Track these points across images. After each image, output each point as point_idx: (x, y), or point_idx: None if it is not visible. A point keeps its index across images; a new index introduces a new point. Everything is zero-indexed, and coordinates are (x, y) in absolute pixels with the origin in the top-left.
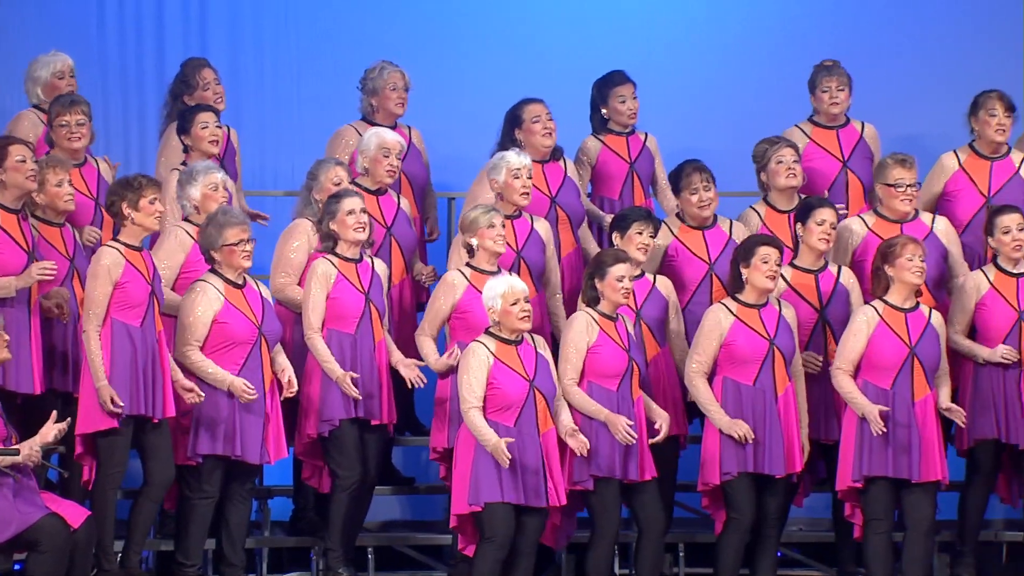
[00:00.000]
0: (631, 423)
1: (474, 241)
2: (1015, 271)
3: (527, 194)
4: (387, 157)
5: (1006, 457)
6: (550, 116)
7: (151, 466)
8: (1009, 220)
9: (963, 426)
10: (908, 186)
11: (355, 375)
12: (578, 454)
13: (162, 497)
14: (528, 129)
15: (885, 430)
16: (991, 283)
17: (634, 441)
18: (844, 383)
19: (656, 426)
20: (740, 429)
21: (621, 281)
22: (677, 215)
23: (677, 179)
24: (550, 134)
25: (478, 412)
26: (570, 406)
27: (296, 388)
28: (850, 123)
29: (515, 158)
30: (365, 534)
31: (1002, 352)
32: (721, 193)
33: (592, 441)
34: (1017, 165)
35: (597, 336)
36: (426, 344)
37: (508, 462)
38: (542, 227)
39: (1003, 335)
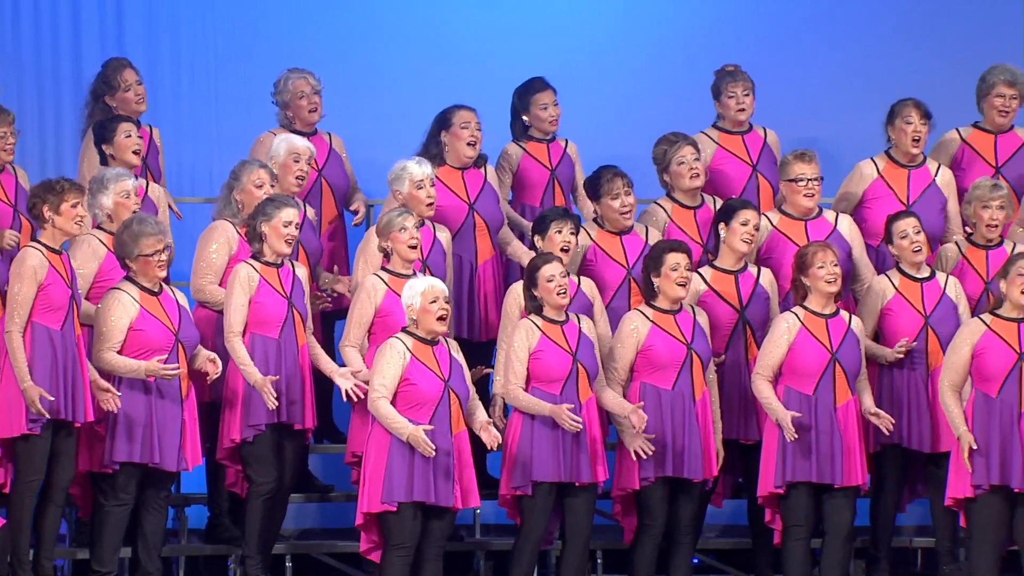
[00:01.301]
0: (572, 407)
1: (388, 244)
2: (919, 276)
3: (432, 204)
4: (297, 163)
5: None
6: (479, 126)
7: (52, 468)
8: (905, 225)
9: (887, 432)
10: (810, 180)
11: (275, 377)
12: (488, 447)
13: (64, 500)
14: (455, 134)
15: (797, 436)
16: (896, 288)
17: (580, 428)
18: (763, 389)
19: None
20: (639, 420)
21: (552, 280)
22: (595, 220)
23: (596, 185)
24: (475, 144)
25: (386, 402)
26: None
27: (220, 368)
28: (753, 129)
29: (416, 168)
30: (283, 542)
31: (898, 347)
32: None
33: (531, 447)
34: (933, 174)
35: (538, 342)
36: (352, 355)
37: (432, 453)
38: (444, 236)
39: (910, 340)
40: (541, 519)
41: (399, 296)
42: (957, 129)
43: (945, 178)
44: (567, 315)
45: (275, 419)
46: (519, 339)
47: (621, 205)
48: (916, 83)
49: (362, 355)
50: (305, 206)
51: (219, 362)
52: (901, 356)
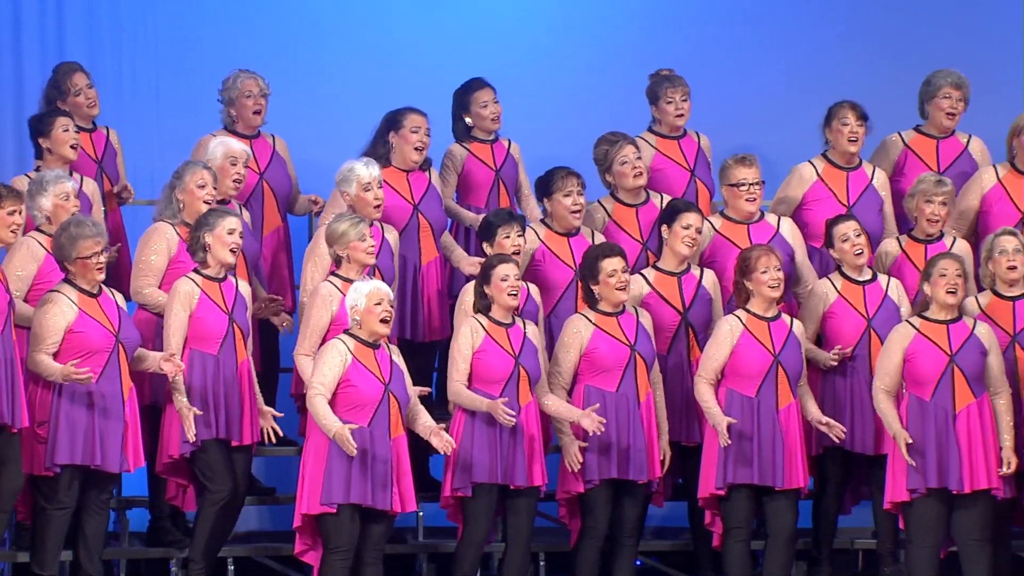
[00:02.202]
0: (506, 400)
1: (344, 253)
2: (861, 279)
3: (379, 206)
4: (234, 166)
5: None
6: (428, 132)
7: (1, 474)
8: (846, 228)
9: (837, 440)
10: (751, 184)
11: (199, 412)
12: (442, 452)
13: (11, 507)
14: (404, 136)
15: (730, 443)
16: (838, 292)
17: (513, 422)
18: (703, 393)
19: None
20: (592, 423)
21: (506, 280)
22: (543, 221)
23: (549, 182)
24: (422, 149)
25: (324, 400)
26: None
27: (181, 366)
28: (688, 134)
29: (363, 170)
30: (225, 544)
31: (833, 353)
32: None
33: (472, 448)
34: (870, 176)
35: (482, 342)
36: (306, 364)
37: (355, 452)
38: (392, 236)
39: (852, 343)
40: (483, 521)
41: None
42: (899, 133)
43: (881, 180)
44: (514, 318)
45: (212, 435)
46: (464, 337)
47: (572, 203)
48: (850, 87)
49: None
50: (241, 209)
51: (177, 361)
52: (835, 363)
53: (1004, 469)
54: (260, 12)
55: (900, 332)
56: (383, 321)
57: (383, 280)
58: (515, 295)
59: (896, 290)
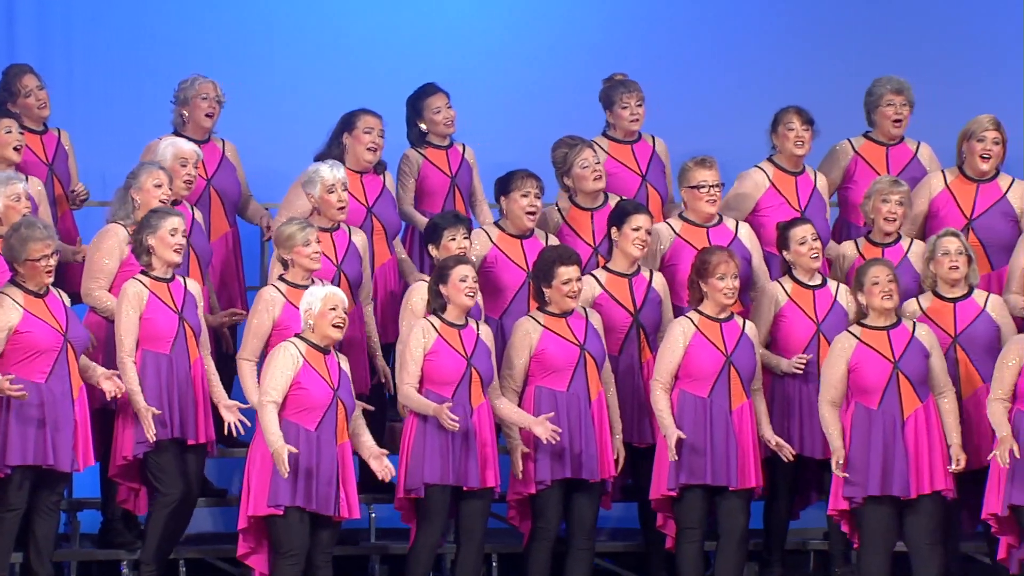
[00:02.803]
0: (452, 405)
1: (289, 257)
2: (811, 283)
3: (343, 208)
4: (184, 167)
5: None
6: (382, 133)
7: None
8: (803, 231)
9: (787, 460)
10: (711, 187)
11: (157, 412)
12: (380, 478)
13: None
14: (357, 137)
15: (677, 459)
16: (789, 295)
17: (457, 427)
18: (658, 399)
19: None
20: (546, 431)
21: (464, 281)
22: (496, 223)
23: (507, 183)
24: (376, 150)
25: (274, 408)
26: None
27: (120, 387)
28: (642, 137)
29: (328, 172)
30: (177, 546)
31: (795, 362)
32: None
33: (424, 450)
34: (814, 180)
35: (434, 343)
36: (247, 369)
37: (286, 473)
38: (359, 239)
39: (802, 347)
40: (437, 522)
41: (297, 308)
42: (848, 140)
43: (822, 183)
44: (467, 319)
45: (165, 436)
46: (415, 339)
47: (528, 204)
48: (798, 93)
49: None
50: (194, 210)
51: (118, 381)
52: (799, 371)
53: (954, 466)
54: (213, 14)
55: (842, 343)
56: (336, 326)
57: (350, 285)
58: (472, 296)
59: (846, 296)
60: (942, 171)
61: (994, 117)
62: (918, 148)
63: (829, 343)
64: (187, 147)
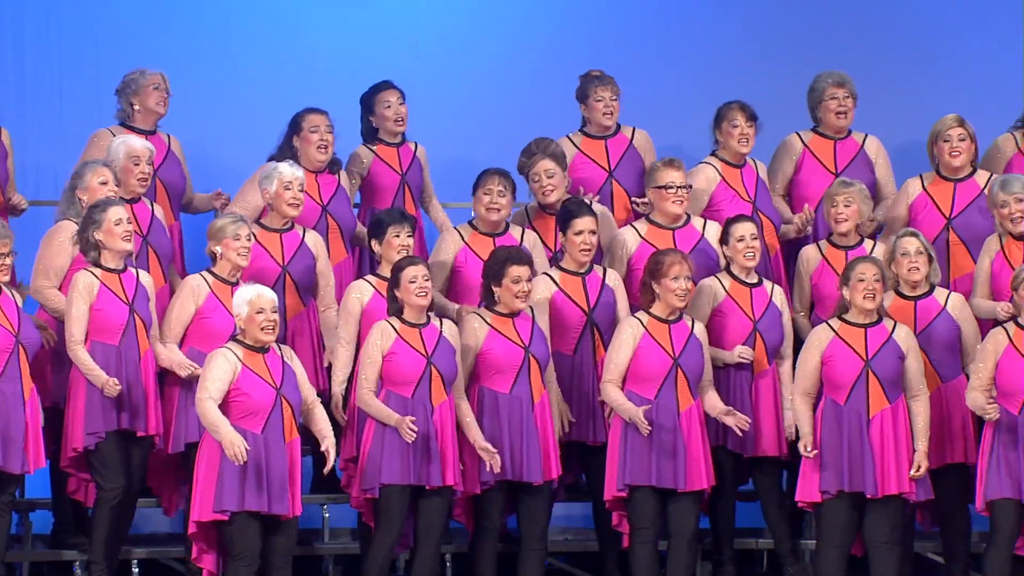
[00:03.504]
0: (414, 420)
1: (218, 249)
2: (749, 281)
3: (297, 206)
4: (137, 165)
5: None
6: (330, 129)
7: None
8: (744, 229)
9: (740, 434)
10: (679, 187)
11: (118, 384)
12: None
13: None
14: (305, 138)
15: (651, 428)
16: (727, 291)
17: (413, 437)
18: (612, 394)
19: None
20: (490, 456)
21: (414, 282)
22: (469, 222)
23: (476, 182)
24: (325, 148)
25: (213, 404)
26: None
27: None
28: (620, 131)
29: (288, 169)
30: (130, 546)
31: (739, 352)
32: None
33: (382, 449)
34: (756, 169)
35: (392, 343)
36: (172, 348)
37: (243, 459)
38: (312, 239)
39: (738, 343)
40: (396, 523)
41: (220, 302)
42: (798, 133)
43: (763, 169)
44: (428, 318)
45: (116, 426)
46: (372, 341)
47: (489, 202)
48: (752, 88)
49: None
50: (154, 207)
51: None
52: (746, 360)
53: (913, 472)
54: (163, 12)
55: (818, 335)
56: (264, 330)
57: (296, 287)
58: (425, 295)
59: (780, 297)
60: (920, 176)
61: (958, 116)
62: (865, 140)
63: (764, 341)
64: (139, 145)
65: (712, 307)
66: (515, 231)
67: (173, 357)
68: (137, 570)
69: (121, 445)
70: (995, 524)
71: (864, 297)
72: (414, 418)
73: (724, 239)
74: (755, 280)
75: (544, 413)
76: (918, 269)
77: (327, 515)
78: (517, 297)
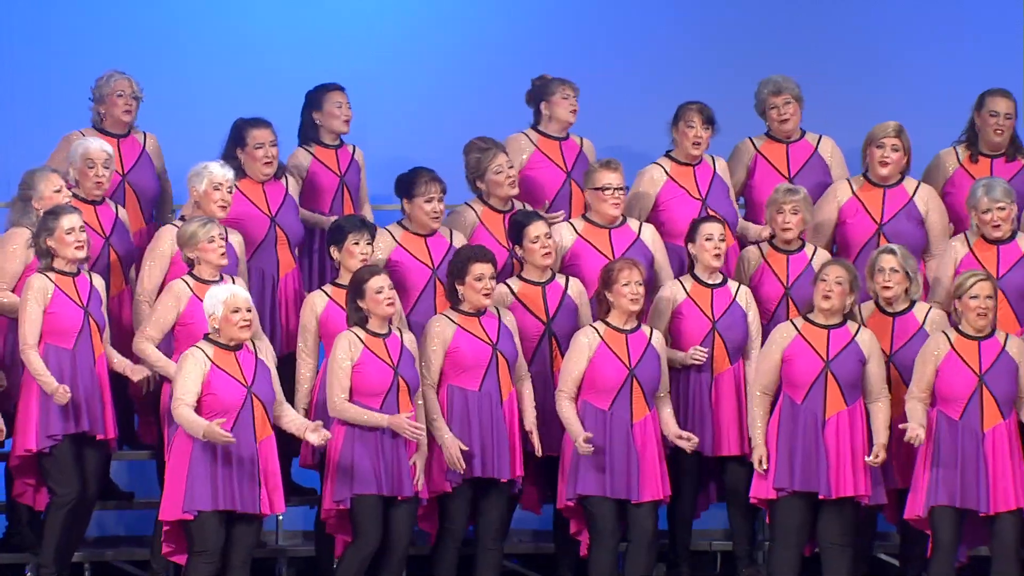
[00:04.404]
0: (411, 413)
1: (195, 255)
2: (711, 282)
3: (223, 208)
4: (92, 168)
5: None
6: (274, 143)
7: None
8: (712, 228)
9: (689, 452)
10: (615, 189)
11: (68, 392)
12: (318, 444)
13: None
14: (250, 153)
15: (592, 450)
16: (687, 293)
17: (421, 436)
18: (564, 408)
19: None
20: (455, 451)
21: (381, 292)
22: (400, 223)
23: (411, 185)
24: (271, 162)
25: (189, 408)
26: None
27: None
28: (570, 137)
29: (218, 170)
30: (82, 549)
31: (692, 353)
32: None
33: (352, 458)
34: (712, 166)
35: (360, 354)
36: (149, 349)
37: (230, 439)
38: (235, 239)
39: (696, 344)
40: (373, 532)
41: (203, 304)
42: (750, 138)
43: (722, 165)
44: (390, 328)
45: (72, 429)
46: (342, 351)
47: (432, 209)
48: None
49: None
50: (118, 208)
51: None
52: (698, 362)
53: (871, 458)
54: (118, 14)
55: (780, 333)
56: (242, 328)
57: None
58: (392, 304)
59: (745, 296)
60: (848, 180)
61: (898, 124)
62: (819, 142)
63: (724, 341)
64: (94, 147)
65: (672, 309)
66: (444, 231)
67: (125, 362)
68: (89, 572)
69: (75, 450)
70: (935, 533)
71: (823, 297)
72: (411, 412)
73: (691, 237)
74: (718, 280)
75: (512, 411)
76: (890, 287)
77: (281, 517)
78: (481, 294)
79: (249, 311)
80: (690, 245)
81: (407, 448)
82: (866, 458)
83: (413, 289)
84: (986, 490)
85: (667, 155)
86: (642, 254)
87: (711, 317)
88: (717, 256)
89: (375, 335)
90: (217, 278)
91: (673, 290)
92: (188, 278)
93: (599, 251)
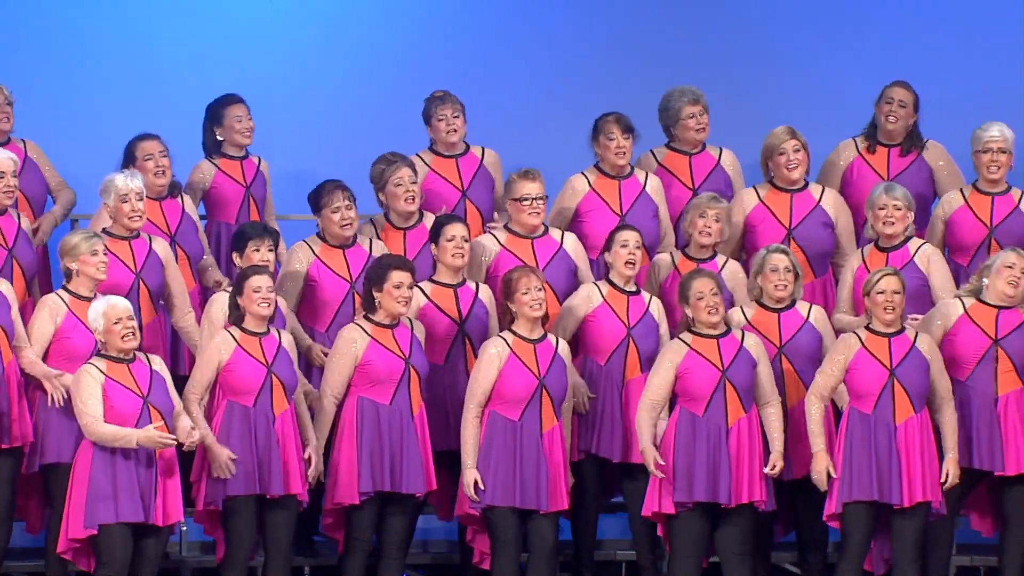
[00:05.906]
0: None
1: (74, 266)
2: (626, 289)
3: (138, 217)
4: (2, 179)
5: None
6: (164, 154)
7: None
8: (627, 236)
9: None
10: (535, 199)
11: None
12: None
13: None
14: (140, 167)
15: (477, 477)
16: (603, 297)
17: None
18: (467, 425)
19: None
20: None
21: (258, 292)
22: (318, 235)
23: (318, 197)
24: (162, 174)
25: (101, 421)
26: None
27: None
28: (470, 150)
29: (123, 181)
30: (9, 561)
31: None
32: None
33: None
34: (643, 183)
35: (232, 354)
36: (37, 365)
37: (166, 443)
38: (160, 247)
39: (610, 350)
40: (246, 535)
41: (80, 320)
42: (651, 151)
43: (653, 184)
44: (268, 328)
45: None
46: (211, 350)
47: (340, 218)
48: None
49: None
50: (20, 218)
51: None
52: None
53: (768, 469)
54: (13, 17)
55: (672, 349)
56: (125, 338)
57: (150, 294)
58: (267, 305)
59: (657, 307)
60: (754, 187)
61: (789, 127)
62: (720, 155)
63: (638, 349)
64: (1, 158)
65: (586, 313)
66: (363, 242)
67: (39, 367)
68: None
69: None
70: (845, 532)
71: (708, 313)
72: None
73: (607, 246)
74: (632, 289)
75: (423, 425)
76: (785, 287)
77: (184, 528)
78: (398, 302)
79: (131, 319)
80: (606, 254)
81: (280, 447)
82: (765, 470)
83: (332, 303)
84: (899, 482)
85: (595, 166)
86: (565, 264)
87: (626, 323)
88: (630, 264)
89: (251, 334)
90: (92, 296)
91: (589, 293)
92: (62, 292)
93: (522, 261)
